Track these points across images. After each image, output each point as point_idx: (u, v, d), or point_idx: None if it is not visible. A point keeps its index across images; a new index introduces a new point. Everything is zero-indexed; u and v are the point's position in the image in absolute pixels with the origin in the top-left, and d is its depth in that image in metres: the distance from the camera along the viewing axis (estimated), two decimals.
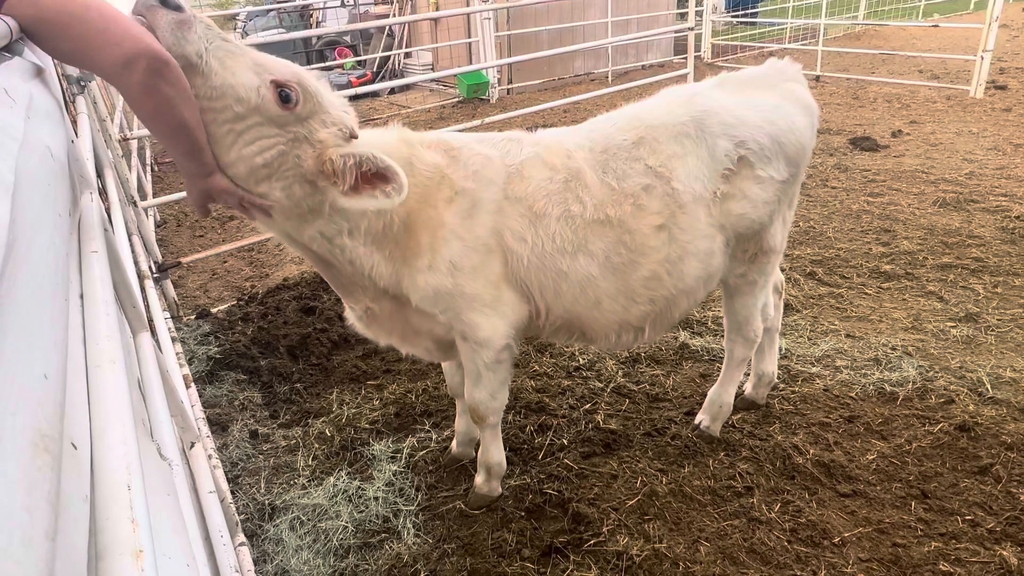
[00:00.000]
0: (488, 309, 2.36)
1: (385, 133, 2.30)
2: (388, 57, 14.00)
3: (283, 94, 1.78)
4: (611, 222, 2.38)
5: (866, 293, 4.47)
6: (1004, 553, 2.46)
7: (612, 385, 3.63)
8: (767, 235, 2.69)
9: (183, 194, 5.15)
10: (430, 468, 3.11)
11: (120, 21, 1.38)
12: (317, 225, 2.08)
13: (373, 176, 1.93)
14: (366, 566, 2.60)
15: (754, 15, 16.61)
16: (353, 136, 1.96)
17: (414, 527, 2.76)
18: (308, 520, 2.82)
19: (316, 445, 3.29)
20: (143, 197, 5.87)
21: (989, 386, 3.39)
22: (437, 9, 12.68)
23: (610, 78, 13.25)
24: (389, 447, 3.23)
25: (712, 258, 2.56)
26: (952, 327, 3.96)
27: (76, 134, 1.74)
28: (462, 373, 2.63)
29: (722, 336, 4.02)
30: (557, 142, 2.46)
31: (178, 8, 1.62)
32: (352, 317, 2.57)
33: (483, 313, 2.35)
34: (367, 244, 2.20)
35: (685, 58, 7.98)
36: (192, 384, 3.26)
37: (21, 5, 1.24)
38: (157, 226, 6.57)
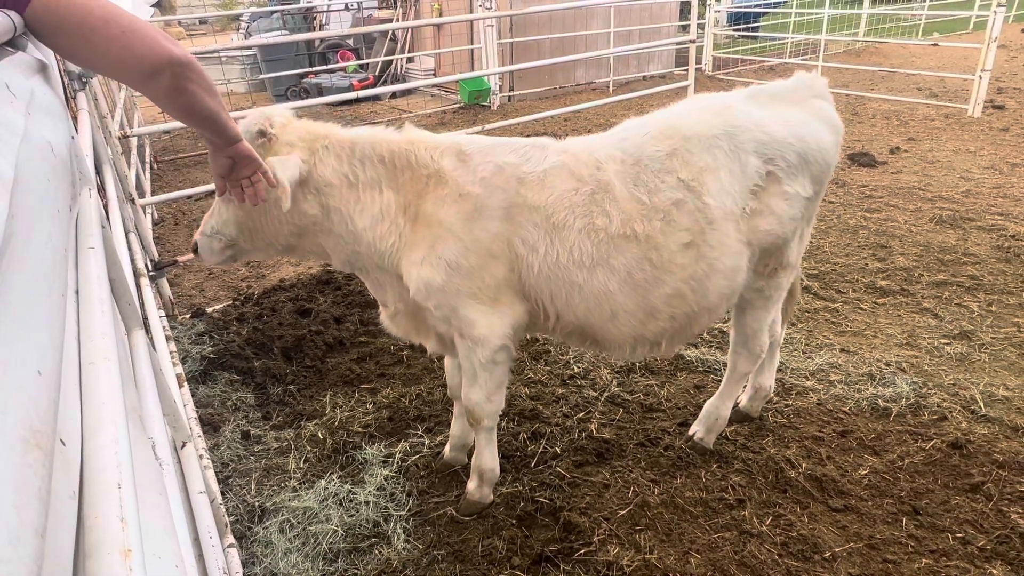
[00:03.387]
0: (485, 307, 2.37)
1: (393, 132, 2.40)
2: (391, 61, 14.03)
3: None
4: (637, 238, 2.34)
5: (861, 308, 4.48)
6: (994, 572, 2.46)
7: (606, 394, 3.63)
8: (787, 250, 2.68)
9: (181, 193, 5.17)
10: (422, 473, 3.10)
11: (139, 33, 1.36)
12: (333, 238, 2.36)
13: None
14: (355, 571, 2.58)
15: (756, 29, 16.71)
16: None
17: (404, 532, 2.75)
18: (298, 523, 2.81)
19: (308, 448, 3.27)
20: (141, 195, 5.86)
21: (982, 404, 3.40)
22: (440, 15, 12.72)
23: (611, 88, 13.30)
24: (381, 451, 3.22)
25: (738, 275, 2.53)
26: (946, 344, 3.97)
27: (76, 130, 1.73)
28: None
29: (717, 347, 4.04)
30: (587, 151, 2.42)
31: None
32: (385, 317, 2.68)
33: (480, 311, 2.37)
34: (370, 233, 2.34)
35: (686, 70, 8.01)
36: (185, 383, 3.25)
37: (41, 10, 1.23)
38: (154, 224, 6.55)
